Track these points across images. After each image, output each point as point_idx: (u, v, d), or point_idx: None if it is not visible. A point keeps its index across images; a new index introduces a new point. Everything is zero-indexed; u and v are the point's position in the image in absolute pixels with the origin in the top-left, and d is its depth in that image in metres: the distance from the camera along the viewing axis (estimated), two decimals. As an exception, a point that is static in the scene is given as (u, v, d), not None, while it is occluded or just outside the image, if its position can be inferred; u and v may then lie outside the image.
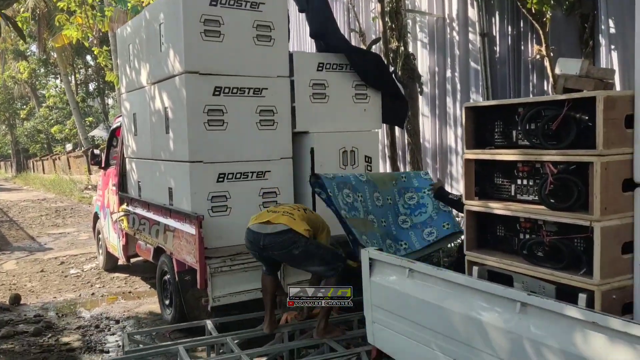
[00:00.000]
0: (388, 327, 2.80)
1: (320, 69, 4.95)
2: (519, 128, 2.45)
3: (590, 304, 2.18)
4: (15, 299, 6.15)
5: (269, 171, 4.79)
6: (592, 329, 1.80)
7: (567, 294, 2.24)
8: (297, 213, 3.85)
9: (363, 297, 3.03)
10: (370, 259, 2.90)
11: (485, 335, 2.17)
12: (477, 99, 6.74)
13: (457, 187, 7.28)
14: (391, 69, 6.68)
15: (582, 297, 2.17)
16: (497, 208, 2.58)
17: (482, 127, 2.69)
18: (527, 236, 2.50)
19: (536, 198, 2.42)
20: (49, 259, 8.60)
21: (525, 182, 2.49)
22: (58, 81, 28.17)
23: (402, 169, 7.43)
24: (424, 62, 7.69)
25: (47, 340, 4.90)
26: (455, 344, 2.33)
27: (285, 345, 3.93)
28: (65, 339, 4.92)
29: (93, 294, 6.50)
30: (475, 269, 2.66)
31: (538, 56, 5.95)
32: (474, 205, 2.71)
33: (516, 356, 2.04)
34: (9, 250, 9.65)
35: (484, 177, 2.70)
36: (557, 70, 2.43)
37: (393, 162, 6.88)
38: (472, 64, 6.97)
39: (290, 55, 4.87)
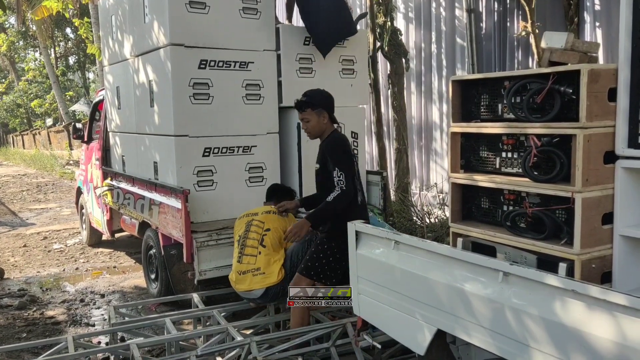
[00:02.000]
0: (374, 298, 2.85)
1: (307, 42, 4.91)
2: (505, 101, 2.48)
3: (570, 273, 2.24)
4: (-1, 274, 6.12)
5: (255, 146, 4.78)
6: (571, 297, 1.85)
7: (548, 264, 2.30)
8: (264, 257, 3.79)
9: (349, 270, 3.07)
10: (356, 231, 2.93)
11: (468, 304, 2.22)
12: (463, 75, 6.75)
13: (441, 163, 7.35)
14: (378, 44, 6.66)
15: (562, 267, 2.24)
16: (482, 180, 2.62)
17: (468, 100, 2.72)
18: (511, 208, 2.55)
19: (520, 170, 2.47)
20: (32, 234, 8.53)
21: (509, 155, 2.53)
22: (37, 54, 27.51)
23: (387, 145, 7.46)
24: (409, 38, 7.67)
25: (32, 313, 4.90)
26: (440, 313, 2.39)
27: (272, 318, 3.98)
28: (50, 313, 4.92)
29: (77, 268, 6.48)
30: (459, 240, 2.71)
31: (524, 33, 5.97)
32: (459, 177, 2.75)
33: (498, 324, 2.10)
34: (-10, 225, 9.56)
35: (469, 151, 2.73)
36: (543, 44, 2.45)
37: (379, 138, 6.90)
38: (458, 40, 6.97)
39: (277, 29, 4.82)
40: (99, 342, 4.11)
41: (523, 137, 2.45)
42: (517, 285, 2.05)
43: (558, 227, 2.34)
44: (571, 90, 2.23)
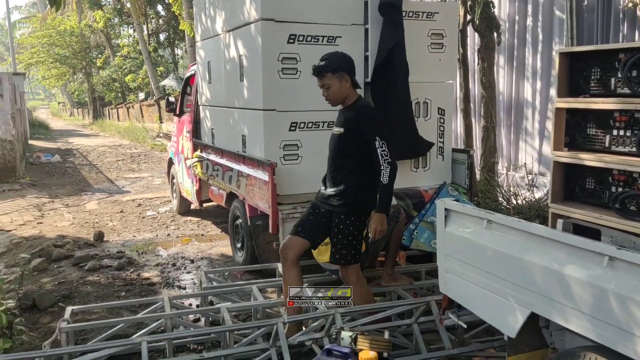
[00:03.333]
0: (462, 277, 2.79)
1: (396, 16, 4.80)
2: (619, 75, 2.30)
3: (686, 261, 2.07)
4: (99, 236, 6.60)
5: (341, 121, 4.77)
6: (688, 286, 1.72)
7: (660, 250, 2.15)
8: None
9: (437, 247, 3.03)
10: (445, 209, 2.88)
11: (567, 288, 2.13)
12: (560, 50, 6.36)
13: (531, 142, 7.02)
14: (468, 18, 6.41)
15: (678, 254, 2.07)
16: (589, 159, 2.47)
17: (575, 74, 2.55)
18: (621, 189, 2.39)
19: (633, 149, 2.29)
20: (127, 201, 9.11)
21: (622, 132, 2.35)
22: (131, 31, 28.94)
23: (474, 123, 7.21)
24: (502, 10, 7.31)
25: (130, 274, 5.26)
26: (534, 296, 2.30)
27: (354, 291, 4.01)
28: (145, 274, 5.25)
29: (169, 235, 6.85)
30: (560, 221, 2.58)
31: (630, 4, 5.51)
32: (563, 156, 2.60)
33: (600, 310, 1.99)
34: (91, 191, 10.30)
35: (574, 127, 2.57)
36: (666, 13, 2.25)
37: (466, 116, 6.69)
38: (557, 12, 6.55)
39: (366, 3, 4.75)
40: (190, 304, 4.35)
41: (638, 113, 2.27)
42: (625, 270, 1.94)
43: (674, 212, 2.18)
44: (697, 63, 2.04)
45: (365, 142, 3.29)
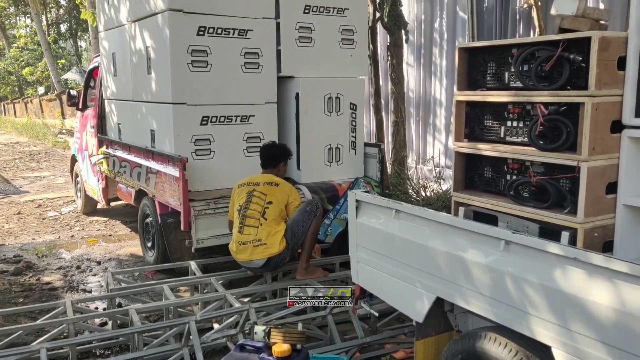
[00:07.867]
0: (373, 266, 2.85)
1: (307, 11, 4.83)
2: (512, 69, 2.46)
3: (572, 242, 2.25)
4: (-7, 240, 6.10)
5: (253, 115, 4.74)
6: (573, 265, 1.86)
7: (550, 233, 2.31)
8: (265, 229, 3.81)
9: (348, 239, 3.07)
10: (356, 200, 2.92)
11: (468, 272, 2.23)
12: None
13: (438, 137, 7.34)
14: (377, 15, 6.57)
15: (565, 235, 2.24)
16: (486, 149, 2.61)
17: (474, 69, 2.69)
18: (514, 177, 2.55)
19: (525, 139, 2.46)
20: (26, 202, 8.48)
21: (515, 123, 2.51)
22: (29, 21, 26.96)
23: (384, 118, 7.42)
24: (410, 10, 7.57)
25: (28, 279, 4.90)
26: (439, 281, 2.40)
27: (269, 286, 4.00)
28: (46, 279, 4.92)
29: (72, 236, 6.46)
30: (461, 209, 2.71)
31: (526, 5, 5.91)
32: (463, 146, 2.73)
33: (498, 291, 2.11)
34: (-16, 192, 9.49)
35: (474, 119, 2.71)
36: (553, 11, 2.42)
37: (377, 111, 6.87)
38: (460, 12, 6.89)
39: (277, -5, 4.73)
40: (97, 308, 4.13)
41: (529, 105, 2.44)
42: (519, 253, 2.06)
43: (562, 196, 2.35)
44: (581, 58, 2.21)
45: None
